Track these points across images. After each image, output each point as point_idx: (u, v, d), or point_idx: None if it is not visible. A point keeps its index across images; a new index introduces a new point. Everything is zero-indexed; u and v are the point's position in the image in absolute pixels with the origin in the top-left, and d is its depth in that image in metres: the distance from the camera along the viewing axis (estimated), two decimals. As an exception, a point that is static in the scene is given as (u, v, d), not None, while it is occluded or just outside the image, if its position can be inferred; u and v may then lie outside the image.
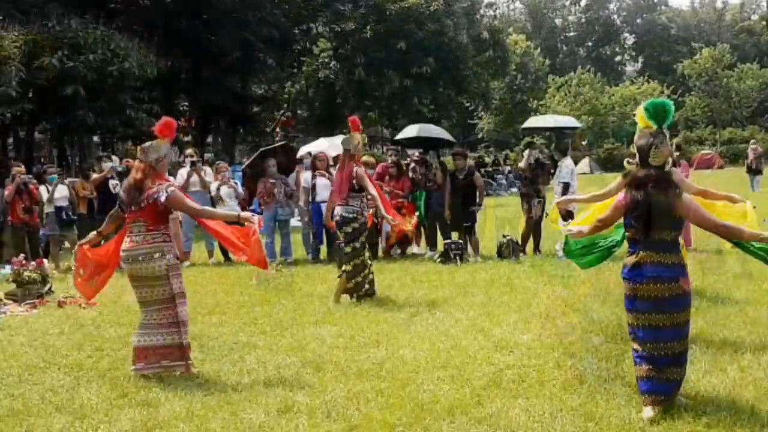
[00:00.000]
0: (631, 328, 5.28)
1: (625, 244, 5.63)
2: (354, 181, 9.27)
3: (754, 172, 25.90)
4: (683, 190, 5.18)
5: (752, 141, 28.66)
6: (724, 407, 5.12)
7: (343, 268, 9.40)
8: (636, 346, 5.23)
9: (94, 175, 14.21)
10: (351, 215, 9.31)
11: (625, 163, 5.76)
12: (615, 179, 7.01)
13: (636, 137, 5.27)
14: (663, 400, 5.05)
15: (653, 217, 5.01)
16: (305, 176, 13.63)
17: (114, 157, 14.64)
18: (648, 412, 5.00)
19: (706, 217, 5.13)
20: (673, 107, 5.29)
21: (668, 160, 5.15)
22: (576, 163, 13.84)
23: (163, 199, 6.31)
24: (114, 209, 6.90)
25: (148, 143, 6.54)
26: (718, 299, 8.56)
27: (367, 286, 9.44)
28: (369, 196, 9.45)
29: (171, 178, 9.32)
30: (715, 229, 5.17)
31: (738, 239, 5.42)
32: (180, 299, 6.45)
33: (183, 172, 13.90)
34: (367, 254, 9.50)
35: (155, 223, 6.42)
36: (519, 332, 7.39)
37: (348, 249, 9.34)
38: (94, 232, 7.07)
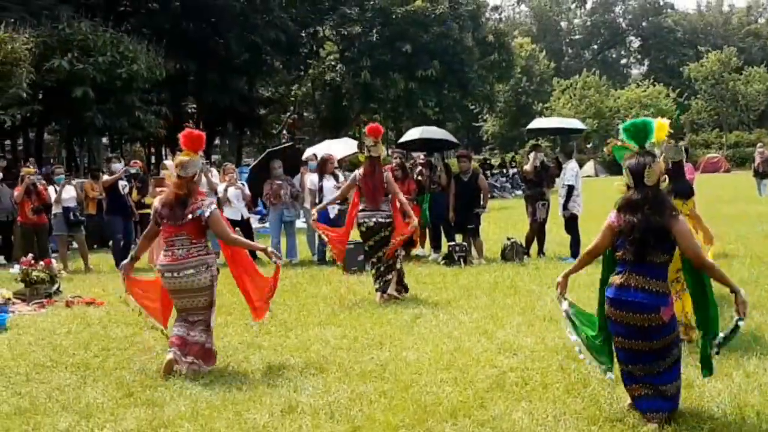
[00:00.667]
0: (614, 347, 5.25)
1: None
2: (386, 186, 9.52)
3: (761, 175, 25.84)
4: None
5: (759, 144, 28.58)
6: (730, 413, 5.14)
7: (380, 270, 9.64)
8: (621, 366, 5.20)
9: (105, 177, 14.28)
10: (388, 219, 9.56)
11: (616, 185, 5.39)
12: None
13: (625, 159, 5.15)
14: (666, 415, 4.99)
15: (648, 240, 4.90)
16: (311, 178, 13.61)
17: (117, 160, 14.64)
18: (652, 427, 4.94)
19: (694, 247, 5.00)
20: (653, 124, 5.16)
21: (662, 177, 5.09)
22: (581, 166, 13.85)
23: (207, 215, 6.42)
24: (149, 227, 6.85)
25: (185, 159, 6.48)
26: (723, 303, 8.55)
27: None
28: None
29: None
30: (699, 262, 5.02)
31: (720, 282, 5.17)
32: (214, 306, 6.70)
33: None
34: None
35: (198, 236, 6.52)
36: (522, 335, 7.41)
37: (381, 253, 9.60)
38: (129, 260, 6.99)
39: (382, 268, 9.58)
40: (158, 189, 10.97)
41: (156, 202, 6.63)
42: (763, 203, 22.46)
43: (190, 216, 6.40)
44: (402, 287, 9.76)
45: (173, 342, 6.50)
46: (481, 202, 13.20)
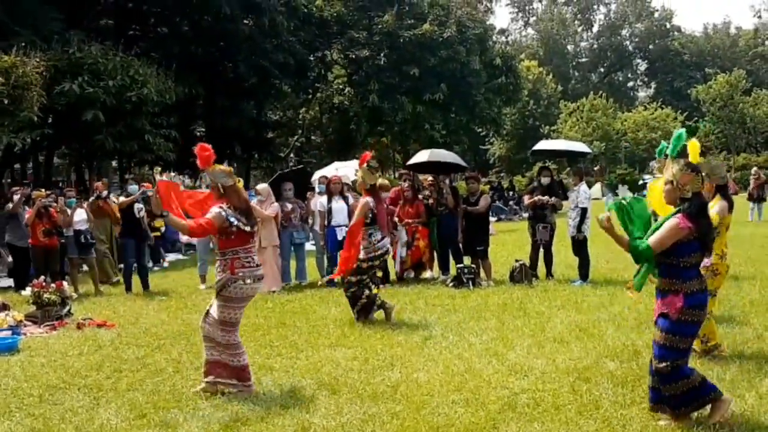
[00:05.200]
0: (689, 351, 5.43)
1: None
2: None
3: (756, 200, 25.84)
4: None
5: (753, 169, 28.65)
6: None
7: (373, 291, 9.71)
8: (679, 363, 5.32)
9: (121, 198, 14.34)
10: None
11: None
12: None
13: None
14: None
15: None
16: (321, 200, 13.67)
17: (134, 182, 14.65)
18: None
19: None
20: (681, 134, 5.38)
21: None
22: (589, 188, 13.84)
23: None
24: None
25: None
26: (734, 325, 8.56)
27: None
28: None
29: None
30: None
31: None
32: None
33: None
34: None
35: None
36: (533, 356, 7.41)
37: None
38: None
39: (354, 290, 9.63)
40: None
41: (230, 212, 6.49)
42: (751, 226, 22.49)
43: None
44: (377, 307, 9.73)
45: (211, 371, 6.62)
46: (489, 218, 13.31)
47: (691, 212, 5.17)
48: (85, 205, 14.44)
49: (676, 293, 5.20)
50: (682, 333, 5.19)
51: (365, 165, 9.73)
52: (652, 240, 5.21)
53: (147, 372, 7.41)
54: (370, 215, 9.55)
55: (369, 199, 9.59)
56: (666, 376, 5.21)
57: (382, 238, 9.70)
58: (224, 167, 6.64)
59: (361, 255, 9.58)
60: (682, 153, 5.49)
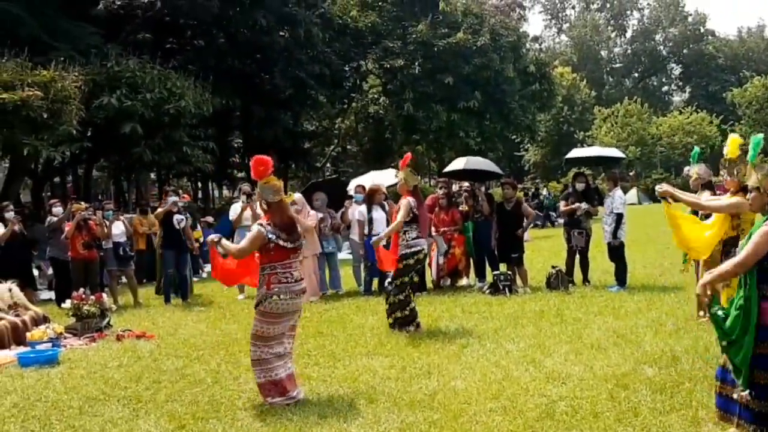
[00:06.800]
0: None
1: None
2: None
3: None
4: None
5: None
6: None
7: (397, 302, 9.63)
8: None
9: (158, 209, 14.44)
10: None
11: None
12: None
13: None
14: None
15: None
16: (360, 209, 13.53)
17: (175, 194, 14.66)
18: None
19: None
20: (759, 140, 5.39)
21: None
22: (625, 193, 13.75)
23: None
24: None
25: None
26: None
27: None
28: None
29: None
30: None
31: None
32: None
33: (236, 207, 14.09)
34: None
35: None
36: (570, 364, 7.37)
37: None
38: None
39: (401, 298, 9.56)
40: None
41: (269, 228, 6.51)
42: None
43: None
44: (415, 325, 9.60)
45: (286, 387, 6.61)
46: (523, 224, 13.22)
47: None
48: (121, 217, 14.58)
49: None
50: None
51: (407, 167, 9.72)
52: (745, 253, 4.98)
53: (186, 383, 7.44)
54: (411, 215, 9.52)
55: (411, 199, 9.56)
56: (763, 388, 4.93)
57: (417, 237, 9.59)
58: (275, 183, 6.58)
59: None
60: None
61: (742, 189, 6.81)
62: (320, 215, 13.62)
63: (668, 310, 9.98)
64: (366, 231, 13.13)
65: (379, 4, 40.15)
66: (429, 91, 37.95)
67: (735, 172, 6.82)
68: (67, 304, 10.93)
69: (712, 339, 7.68)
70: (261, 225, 6.48)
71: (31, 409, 6.78)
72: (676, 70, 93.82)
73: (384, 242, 9.87)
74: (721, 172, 7.30)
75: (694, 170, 9.29)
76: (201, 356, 8.68)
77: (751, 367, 4.91)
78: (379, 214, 13.04)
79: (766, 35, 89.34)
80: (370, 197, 13.30)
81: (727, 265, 5.13)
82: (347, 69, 38.99)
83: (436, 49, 37.42)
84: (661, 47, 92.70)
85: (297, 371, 7.50)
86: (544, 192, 39.90)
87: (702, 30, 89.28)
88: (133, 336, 10.11)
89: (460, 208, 13.73)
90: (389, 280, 9.70)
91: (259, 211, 14.01)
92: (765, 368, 4.90)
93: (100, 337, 10.27)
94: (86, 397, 7.09)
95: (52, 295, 14.59)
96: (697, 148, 7.38)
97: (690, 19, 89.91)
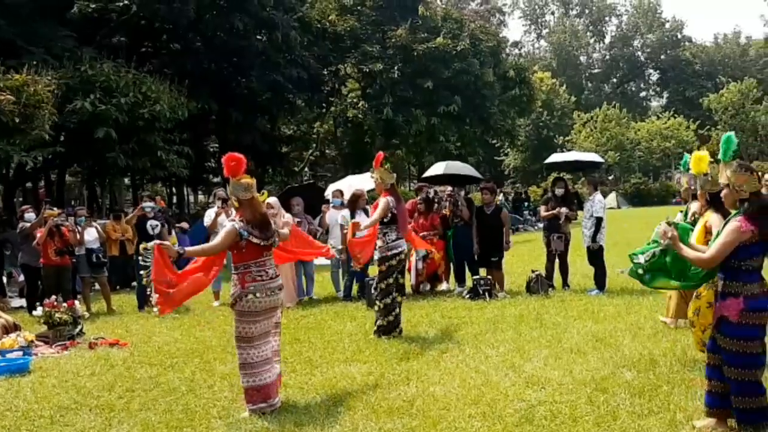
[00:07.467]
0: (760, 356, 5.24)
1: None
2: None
3: None
4: None
5: (765, 176, 28.27)
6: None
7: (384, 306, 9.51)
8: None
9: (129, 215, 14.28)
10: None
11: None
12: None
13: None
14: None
15: None
16: (343, 213, 13.41)
17: (150, 199, 14.47)
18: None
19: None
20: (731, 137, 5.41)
21: None
22: (604, 197, 13.73)
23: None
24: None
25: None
26: None
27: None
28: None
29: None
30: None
31: None
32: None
33: (211, 212, 13.93)
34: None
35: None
36: (550, 368, 7.33)
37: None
38: None
39: (388, 302, 9.44)
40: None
41: (242, 224, 6.40)
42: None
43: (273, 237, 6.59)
44: (397, 332, 9.50)
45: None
46: (504, 238, 13.10)
47: (751, 213, 5.07)
48: (94, 223, 14.39)
49: (736, 296, 5.11)
50: (747, 336, 5.09)
51: (380, 165, 9.59)
52: (713, 248, 5.15)
53: (160, 391, 7.32)
54: (389, 215, 9.42)
55: (390, 198, 9.45)
56: (739, 385, 5.10)
57: (397, 239, 9.49)
58: (246, 180, 6.47)
59: (376, 255, 9.51)
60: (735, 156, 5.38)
61: (711, 202, 6.76)
62: (297, 220, 13.50)
63: (647, 314, 9.97)
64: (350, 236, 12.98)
65: (358, 8, 40.08)
66: (408, 96, 37.99)
67: (703, 184, 6.80)
68: (39, 311, 10.78)
69: (690, 342, 7.69)
70: (233, 221, 6.42)
71: (1, 419, 6.65)
72: (654, 75, 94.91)
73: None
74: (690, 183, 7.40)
75: (684, 180, 9.26)
76: (175, 364, 8.54)
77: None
78: (361, 219, 12.88)
79: (742, 42, 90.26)
80: (353, 203, 13.13)
81: (694, 255, 5.39)
82: (326, 73, 38.85)
83: (415, 53, 37.48)
84: (639, 53, 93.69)
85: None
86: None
87: (679, 36, 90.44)
88: (106, 344, 9.94)
89: (443, 212, 13.65)
90: (374, 285, 9.60)
91: (232, 211, 13.95)
92: (739, 365, 5.08)
93: (72, 345, 10.09)
94: (58, 406, 6.97)
95: (23, 302, 14.40)
96: (687, 156, 7.32)
97: (667, 25, 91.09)
